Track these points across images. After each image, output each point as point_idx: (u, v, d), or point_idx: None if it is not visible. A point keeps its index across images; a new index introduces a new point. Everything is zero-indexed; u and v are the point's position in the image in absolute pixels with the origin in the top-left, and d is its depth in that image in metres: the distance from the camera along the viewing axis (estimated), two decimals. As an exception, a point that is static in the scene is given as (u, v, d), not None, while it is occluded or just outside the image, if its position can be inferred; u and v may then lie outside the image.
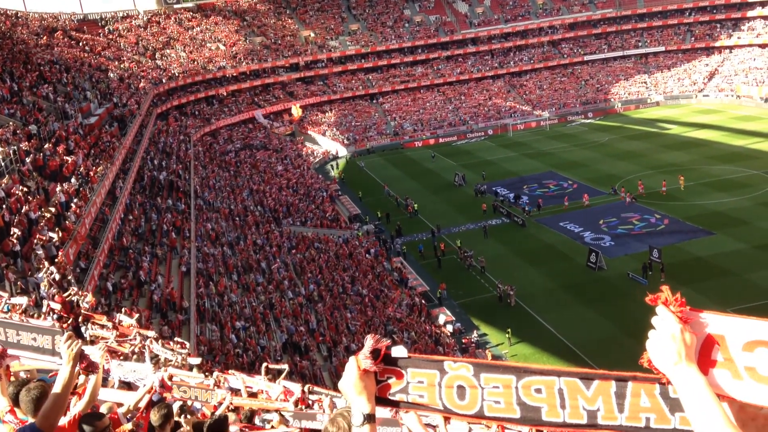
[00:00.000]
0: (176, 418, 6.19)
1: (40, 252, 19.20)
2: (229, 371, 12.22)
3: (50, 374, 5.00)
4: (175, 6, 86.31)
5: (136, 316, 15.67)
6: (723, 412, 1.69)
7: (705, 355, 1.82)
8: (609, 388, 1.93)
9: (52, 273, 17.26)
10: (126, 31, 78.76)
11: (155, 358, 11.08)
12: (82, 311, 13.50)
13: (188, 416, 6.25)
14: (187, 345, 14.93)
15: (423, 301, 35.74)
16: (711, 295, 30.75)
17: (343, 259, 40.68)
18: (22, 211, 20.95)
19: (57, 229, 21.12)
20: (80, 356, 3.72)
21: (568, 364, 26.70)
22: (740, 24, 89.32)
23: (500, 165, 63.35)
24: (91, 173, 28.69)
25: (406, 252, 44.06)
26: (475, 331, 32.74)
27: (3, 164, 23.38)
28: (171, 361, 11.26)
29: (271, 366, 12.66)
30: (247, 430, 8.01)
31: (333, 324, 31.25)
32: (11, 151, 24.59)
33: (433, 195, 56.14)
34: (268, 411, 9.68)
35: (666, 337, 1.79)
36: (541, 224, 46.10)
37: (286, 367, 12.70)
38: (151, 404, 6.16)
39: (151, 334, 12.92)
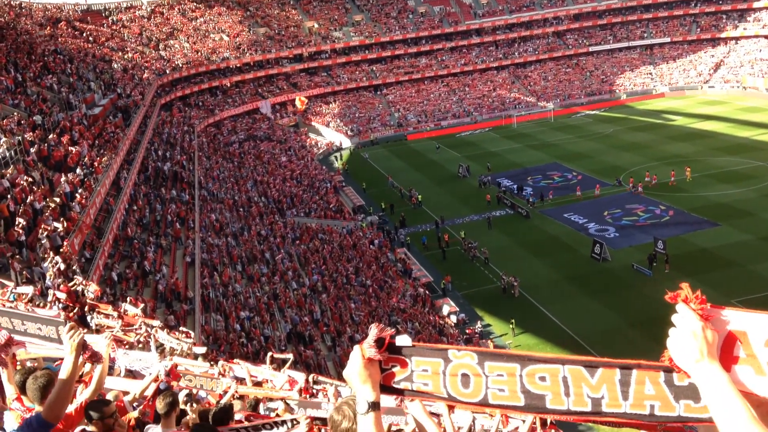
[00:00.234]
0: (183, 407, 6.22)
1: (45, 242, 19.27)
2: (234, 360, 12.29)
3: (56, 362, 5.03)
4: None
5: (141, 305, 15.73)
6: (747, 409, 1.67)
7: (727, 351, 1.80)
8: (613, 375, 1.94)
9: (57, 263, 17.32)
10: (130, 21, 78.64)
11: (160, 347, 11.13)
12: (88, 301, 13.56)
13: (194, 405, 6.29)
14: (192, 334, 14.99)
15: (427, 292, 35.78)
16: (716, 287, 30.71)
17: (347, 250, 40.72)
18: (27, 201, 21.01)
19: (62, 219, 21.18)
20: (83, 346, 3.73)
21: (572, 354, 26.68)
22: (746, 15, 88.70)
23: (504, 156, 63.22)
24: (96, 164, 28.74)
25: (410, 243, 44.07)
26: (479, 322, 32.77)
27: (8, 154, 23.43)
28: (176, 350, 11.32)
29: (276, 355, 12.71)
30: (252, 418, 8.06)
31: (337, 314, 31.33)
32: (16, 141, 24.63)
33: (437, 186, 56.09)
34: (272, 399, 9.73)
35: (687, 334, 1.77)
36: (545, 215, 46.04)
37: (290, 356, 12.76)
38: (158, 393, 6.20)
39: (156, 323, 12.97)
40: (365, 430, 2.05)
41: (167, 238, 31.99)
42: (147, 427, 5.56)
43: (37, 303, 12.68)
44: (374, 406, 2.06)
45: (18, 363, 5.30)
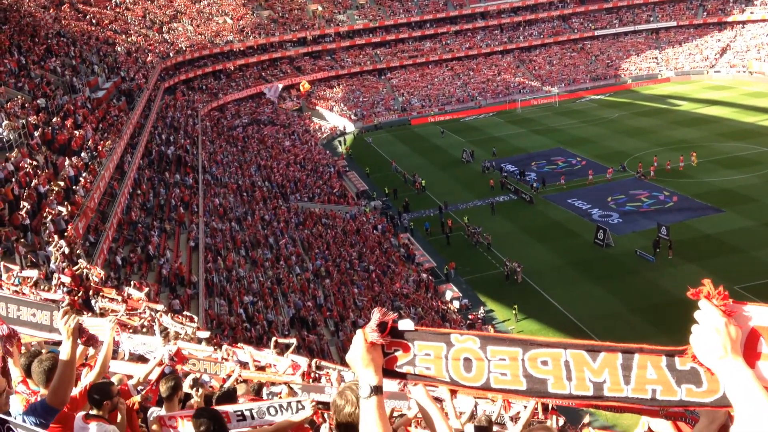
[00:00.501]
0: (189, 391, 6.27)
1: (50, 226, 19.32)
2: (238, 345, 12.34)
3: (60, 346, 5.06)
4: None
5: (146, 290, 15.78)
6: None
7: (750, 347, 1.79)
8: (615, 360, 1.93)
9: (61, 247, 17.36)
10: (133, 4, 78.20)
11: (164, 331, 11.19)
12: (92, 285, 13.60)
13: (200, 390, 6.34)
14: (196, 319, 15.05)
15: (430, 278, 35.82)
16: (719, 273, 30.67)
17: (350, 235, 40.76)
18: (32, 184, 21.05)
19: (66, 203, 21.21)
20: (80, 330, 3.74)
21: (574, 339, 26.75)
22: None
23: (508, 141, 63.01)
24: (100, 147, 28.73)
25: (414, 228, 44.08)
26: (481, 308, 32.83)
27: (12, 138, 23.43)
28: (180, 334, 11.37)
29: (279, 340, 12.78)
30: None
31: (340, 299, 31.42)
32: (20, 125, 24.62)
33: (440, 171, 55.99)
34: (275, 384, 9.79)
35: (710, 331, 1.75)
36: (548, 201, 45.97)
37: (294, 341, 12.82)
38: (162, 376, 6.24)
39: (160, 307, 13.02)
40: (368, 415, 2.06)
41: (171, 222, 32.04)
42: (150, 410, 5.60)
43: (42, 287, 12.74)
44: (377, 390, 2.07)
45: (23, 346, 5.33)
